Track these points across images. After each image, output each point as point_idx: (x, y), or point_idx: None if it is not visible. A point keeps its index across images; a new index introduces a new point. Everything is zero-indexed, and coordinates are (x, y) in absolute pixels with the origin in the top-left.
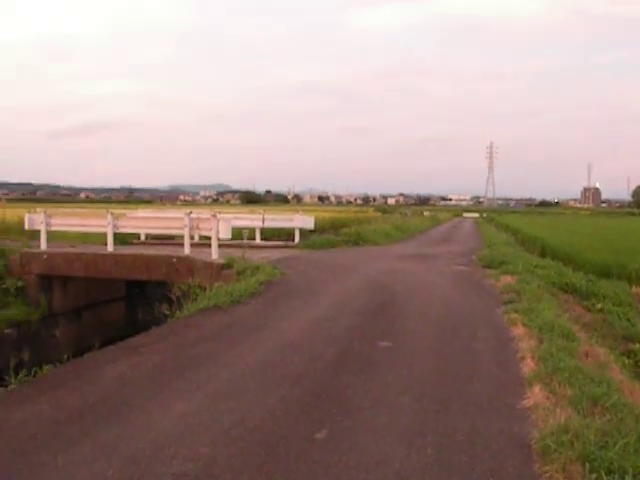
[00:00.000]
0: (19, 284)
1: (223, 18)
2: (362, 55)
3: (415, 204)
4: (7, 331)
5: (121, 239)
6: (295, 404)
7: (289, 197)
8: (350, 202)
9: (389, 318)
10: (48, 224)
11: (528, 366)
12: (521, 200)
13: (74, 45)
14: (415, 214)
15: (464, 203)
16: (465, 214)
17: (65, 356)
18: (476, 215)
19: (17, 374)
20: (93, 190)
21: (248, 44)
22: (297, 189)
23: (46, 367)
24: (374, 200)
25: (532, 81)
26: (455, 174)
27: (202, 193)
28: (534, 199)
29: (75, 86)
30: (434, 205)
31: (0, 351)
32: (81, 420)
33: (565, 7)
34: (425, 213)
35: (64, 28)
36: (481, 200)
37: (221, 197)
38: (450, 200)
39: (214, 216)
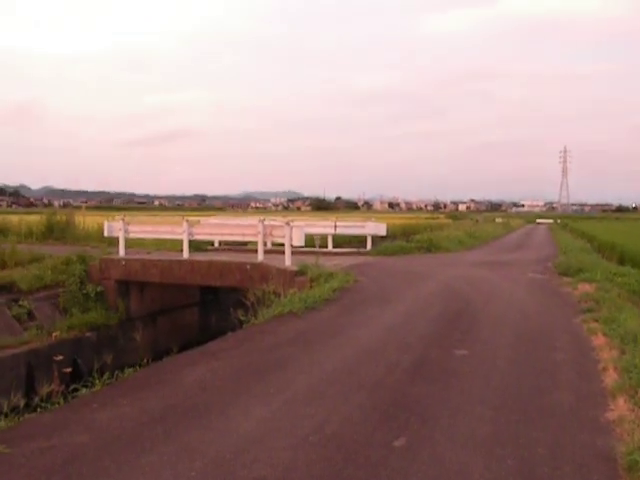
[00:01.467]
0: (98, 289)
1: (289, 27)
2: (431, 59)
3: (486, 210)
4: (87, 334)
5: (195, 246)
6: (373, 411)
7: (359, 204)
8: (420, 208)
9: (465, 326)
10: (126, 231)
11: (610, 377)
12: (596, 206)
13: (149, 57)
14: (487, 220)
15: (537, 209)
16: (538, 220)
17: (145, 360)
18: (550, 221)
19: (101, 376)
20: (167, 198)
21: (317, 51)
22: (367, 196)
23: (128, 370)
24: (444, 206)
25: (609, 83)
26: (527, 179)
27: (273, 200)
28: (610, 204)
29: (150, 97)
30: (506, 211)
31: (81, 353)
32: (163, 422)
33: None
34: (497, 219)
35: (140, 39)
36: (554, 206)
37: (292, 204)
38: (522, 206)
39: (287, 223)
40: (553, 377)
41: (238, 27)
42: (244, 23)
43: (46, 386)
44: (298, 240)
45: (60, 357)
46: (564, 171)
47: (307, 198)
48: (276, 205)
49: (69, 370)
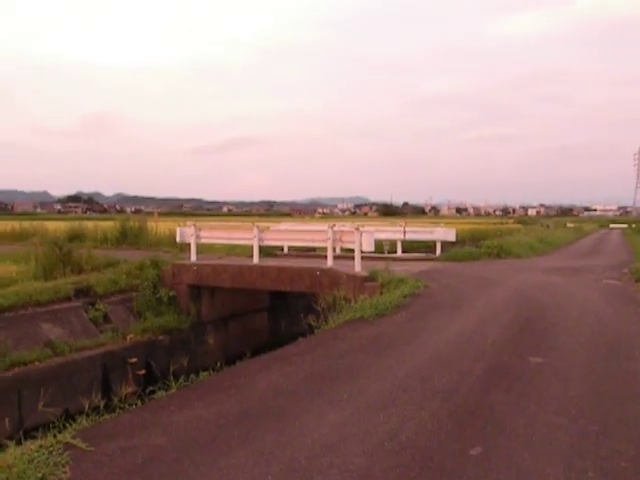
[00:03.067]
0: (171, 294)
1: (355, 34)
2: (499, 64)
3: (557, 215)
4: (160, 337)
5: (265, 251)
6: (447, 419)
7: (426, 209)
8: (489, 213)
9: (539, 333)
10: (198, 237)
11: None
12: None
13: (217, 67)
14: (557, 225)
15: (610, 214)
16: (612, 225)
17: (218, 363)
18: (624, 226)
19: (174, 378)
20: (235, 204)
21: (383, 57)
22: (434, 201)
23: (203, 373)
24: (513, 211)
25: None
26: (600, 183)
27: (340, 206)
28: None
29: (218, 105)
30: (577, 216)
31: (154, 356)
32: (239, 425)
33: None
34: (568, 224)
35: (209, 51)
36: (629, 210)
37: (358, 210)
38: (594, 211)
39: (357, 229)
40: (634, 388)
41: (304, 36)
42: (310, 31)
43: (124, 387)
44: (368, 246)
45: (134, 359)
46: (639, 174)
47: (374, 204)
48: (343, 211)
49: (143, 372)
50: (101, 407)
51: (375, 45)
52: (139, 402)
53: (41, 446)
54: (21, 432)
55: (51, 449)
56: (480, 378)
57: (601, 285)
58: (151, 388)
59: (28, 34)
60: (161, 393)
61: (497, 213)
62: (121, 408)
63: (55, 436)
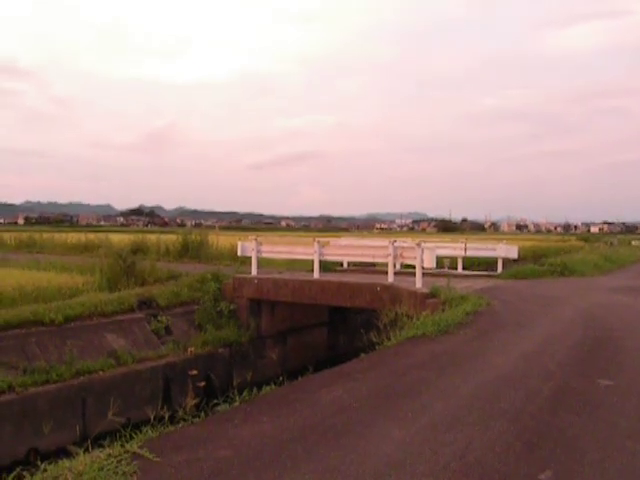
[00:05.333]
0: (231, 307)
1: (412, 49)
2: (558, 77)
3: (620, 232)
4: (220, 350)
5: (324, 266)
6: (515, 440)
7: (486, 225)
8: (549, 230)
9: (607, 354)
10: (259, 251)
11: None
12: None
13: (274, 82)
14: (621, 243)
15: None
16: None
17: (279, 378)
18: None
19: (234, 391)
20: (293, 218)
21: (442, 72)
22: (493, 217)
23: (265, 388)
24: (575, 228)
25: None
26: None
27: (398, 221)
28: None
29: (276, 120)
30: None
31: (214, 368)
32: (303, 441)
33: None
34: (633, 242)
35: (262, 66)
36: None
37: (417, 225)
38: None
39: (418, 245)
40: None
41: (360, 51)
42: (366, 46)
43: (189, 399)
44: (429, 262)
45: (194, 371)
46: None
47: (432, 219)
48: (401, 226)
49: (203, 384)
50: (166, 418)
51: (435, 60)
52: (202, 414)
53: (110, 455)
54: (88, 440)
55: (119, 458)
56: (548, 399)
57: None
58: (213, 401)
59: (94, 52)
60: (224, 406)
61: (558, 230)
62: (184, 419)
63: (123, 445)
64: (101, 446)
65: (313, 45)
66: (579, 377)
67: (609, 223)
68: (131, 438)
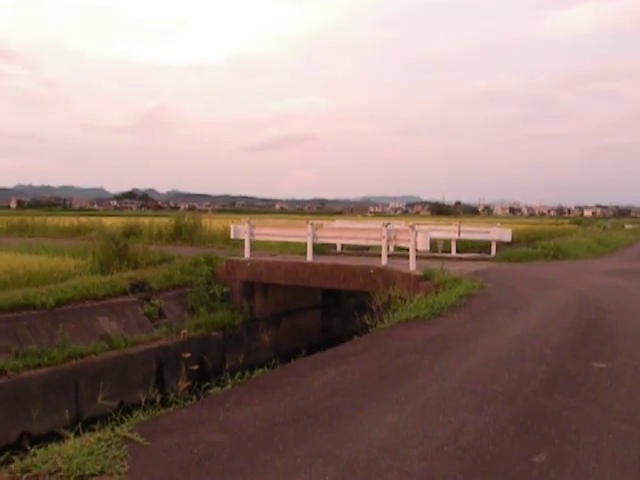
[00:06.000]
0: (224, 290)
1: (403, 31)
2: (552, 60)
3: (614, 216)
4: (214, 334)
5: (318, 249)
6: (509, 423)
7: (479, 209)
8: (543, 214)
9: (601, 337)
10: (252, 234)
11: None
12: None
13: (263, 64)
14: (615, 227)
15: None
16: None
17: (272, 360)
18: None
19: (227, 374)
20: (287, 201)
21: (433, 55)
22: (487, 200)
23: (258, 371)
24: (569, 212)
25: None
26: None
27: (392, 205)
28: None
29: (269, 103)
30: (635, 217)
31: (208, 351)
32: (295, 424)
33: None
34: (626, 226)
35: (253, 49)
36: None
37: (410, 209)
38: None
39: (412, 227)
40: None
41: (351, 33)
42: (357, 28)
43: (180, 381)
44: (423, 245)
45: (188, 354)
46: None
47: (426, 203)
48: (395, 209)
49: (196, 367)
50: (157, 401)
51: (426, 42)
52: (194, 397)
53: (100, 439)
54: (79, 424)
55: (109, 442)
56: (542, 382)
57: None
58: (205, 384)
59: (82, 34)
60: (217, 389)
61: (552, 213)
62: (176, 403)
63: (113, 429)
64: (93, 430)
65: (304, 26)
66: (574, 360)
67: (602, 206)
68: (122, 422)
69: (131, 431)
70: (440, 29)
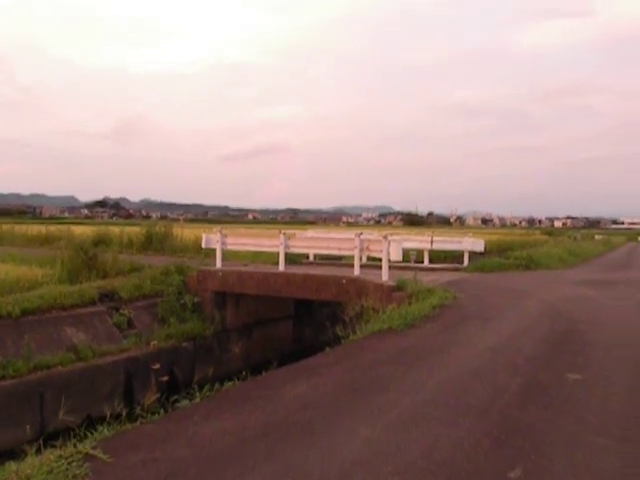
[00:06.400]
0: (195, 300)
1: (384, 40)
2: (525, 74)
3: (584, 227)
4: (184, 344)
5: (290, 259)
6: (483, 437)
7: (452, 219)
8: (514, 224)
9: (574, 348)
10: (224, 243)
11: None
12: None
13: (240, 74)
14: (585, 238)
15: (638, 226)
16: None
17: (242, 372)
18: None
19: (198, 386)
20: (260, 211)
21: (410, 66)
22: (459, 211)
23: (227, 383)
24: (540, 223)
25: None
26: (627, 196)
27: (364, 215)
28: None
29: (242, 112)
30: (604, 228)
31: (178, 362)
32: (266, 438)
33: None
34: (596, 237)
35: (233, 57)
36: None
37: (383, 219)
38: (622, 223)
39: (385, 237)
40: None
41: (333, 41)
42: (338, 37)
43: (148, 394)
44: (396, 255)
45: (157, 366)
46: None
47: (399, 213)
48: (368, 220)
49: (166, 379)
50: (123, 415)
51: (401, 51)
52: (162, 411)
53: (60, 456)
54: (41, 440)
55: (70, 460)
56: (516, 394)
57: (637, 299)
58: (174, 396)
59: (63, 40)
60: (185, 402)
61: (523, 224)
62: (143, 417)
63: (75, 446)
64: (54, 446)
65: (284, 34)
66: (547, 371)
67: (572, 218)
68: (86, 437)
69: (94, 447)
70: (417, 42)
